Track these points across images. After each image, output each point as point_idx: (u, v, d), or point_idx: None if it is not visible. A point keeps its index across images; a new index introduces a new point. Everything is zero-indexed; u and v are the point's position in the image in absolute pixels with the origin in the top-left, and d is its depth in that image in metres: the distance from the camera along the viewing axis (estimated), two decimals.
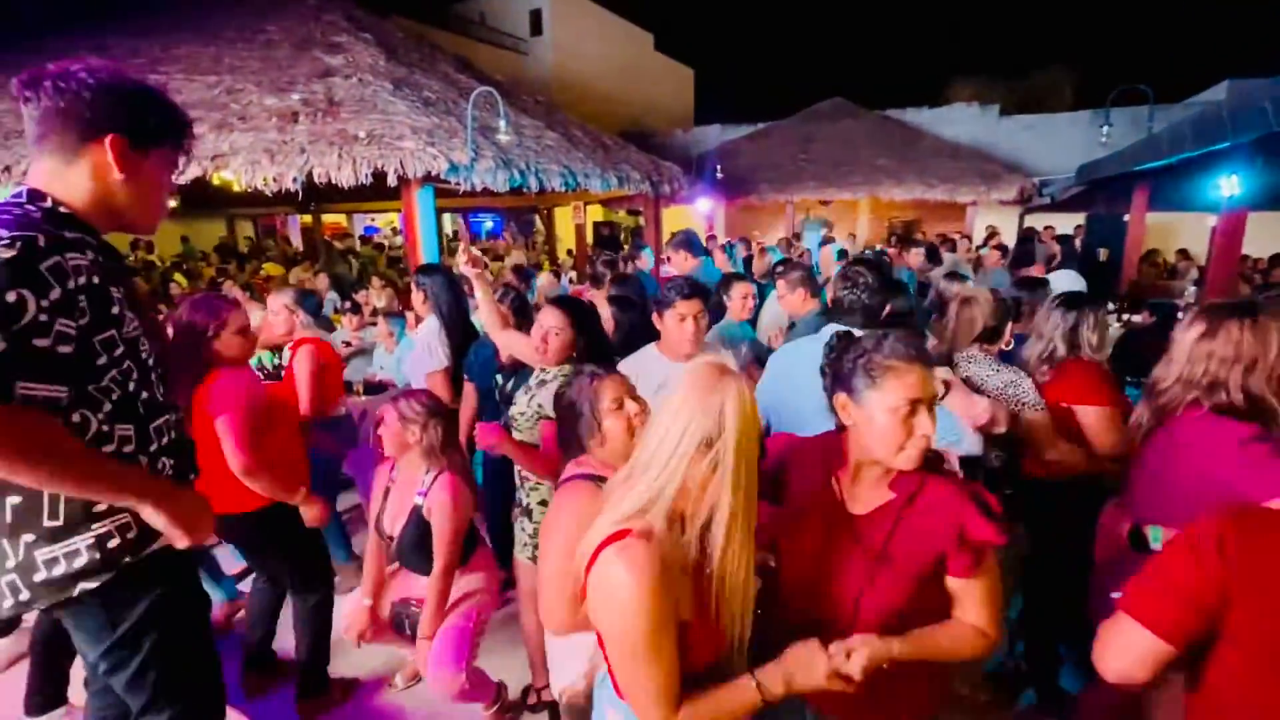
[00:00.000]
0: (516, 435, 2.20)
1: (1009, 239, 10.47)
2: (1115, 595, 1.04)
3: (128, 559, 1.23)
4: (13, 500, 1.15)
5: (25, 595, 1.19)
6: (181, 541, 1.25)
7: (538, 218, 15.30)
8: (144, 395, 1.24)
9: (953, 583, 1.19)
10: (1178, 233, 10.60)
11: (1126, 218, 7.65)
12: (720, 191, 11.23)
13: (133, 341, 1.21)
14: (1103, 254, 8.78)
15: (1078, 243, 9.54)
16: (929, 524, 1.17)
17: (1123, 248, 7.66)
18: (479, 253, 2.46)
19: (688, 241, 4.76)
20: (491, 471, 2.97)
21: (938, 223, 12.21)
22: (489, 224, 17.72)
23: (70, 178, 1.18)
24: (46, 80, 1.15)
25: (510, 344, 2.41)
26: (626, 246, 11.48)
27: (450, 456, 2.14)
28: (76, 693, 2.16)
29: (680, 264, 4.67)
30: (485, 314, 2.44)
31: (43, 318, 1.06)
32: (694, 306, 2.18)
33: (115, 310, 1.17)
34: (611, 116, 13.40)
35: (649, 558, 0.96)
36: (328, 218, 13.97)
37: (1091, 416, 2.02)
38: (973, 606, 1.19)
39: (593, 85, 17.61)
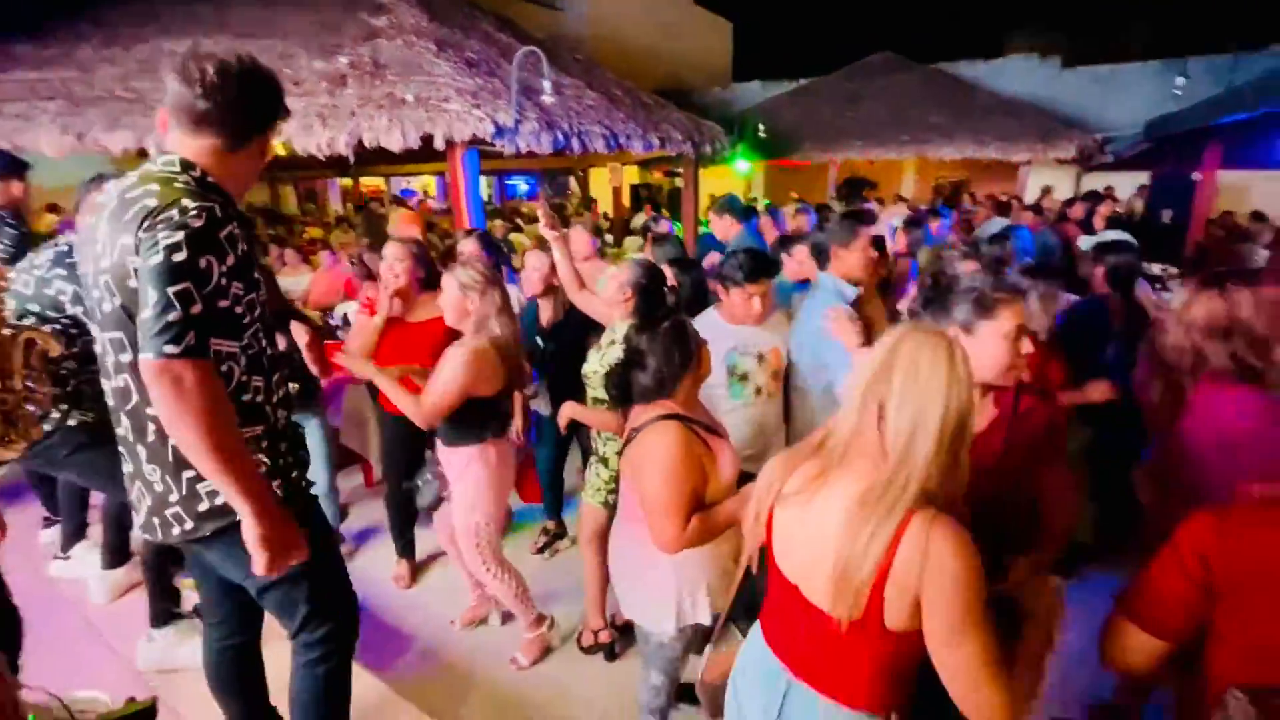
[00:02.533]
0: (591, 391, 2.33)
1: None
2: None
3: (277, 481, 1.38)
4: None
5: (189, 525, 1.33)
6: (260, 562, 1.27)
7: (573, 179, 15.21)
8: (269, 350, 1.38)
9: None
10: (1250, 193, 9.95)
11: (1195, 176, 7.22)
12: (759, 153, 10.96)
13: (263, 302, 1.35)
14: (1166, 216, 8.35)
15: (1139, 204, 9.07)
16: (1032, 425, 1.47)
17: (1189, 208, 7.26)
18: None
19: (730, 206, 4.71)
20: (544, 430, 3.09)
21: (987, 183, 11.72)
22: (524, 186, 17.71)
23: (228, 160, 1.33)
24: (234, 76, 1.28)
25: (586, 304, 2.50)
26: (664, 209, 11.37)
27: (491, 332, 2.08)
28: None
29: (724, 229, 4.62)
30: (563, 275, 2.53)
31: (223, 281, 1.21)
32: (763, 287, 2.23)
33: (255, 274, 1.31)
34: (648, 74, 13.05)
35: (961, 528, 1.00)
36: (365, 180, 14.17)
37: None
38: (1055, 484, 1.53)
39: (629, 41, 17.13)
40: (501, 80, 5.29)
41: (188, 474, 1.30)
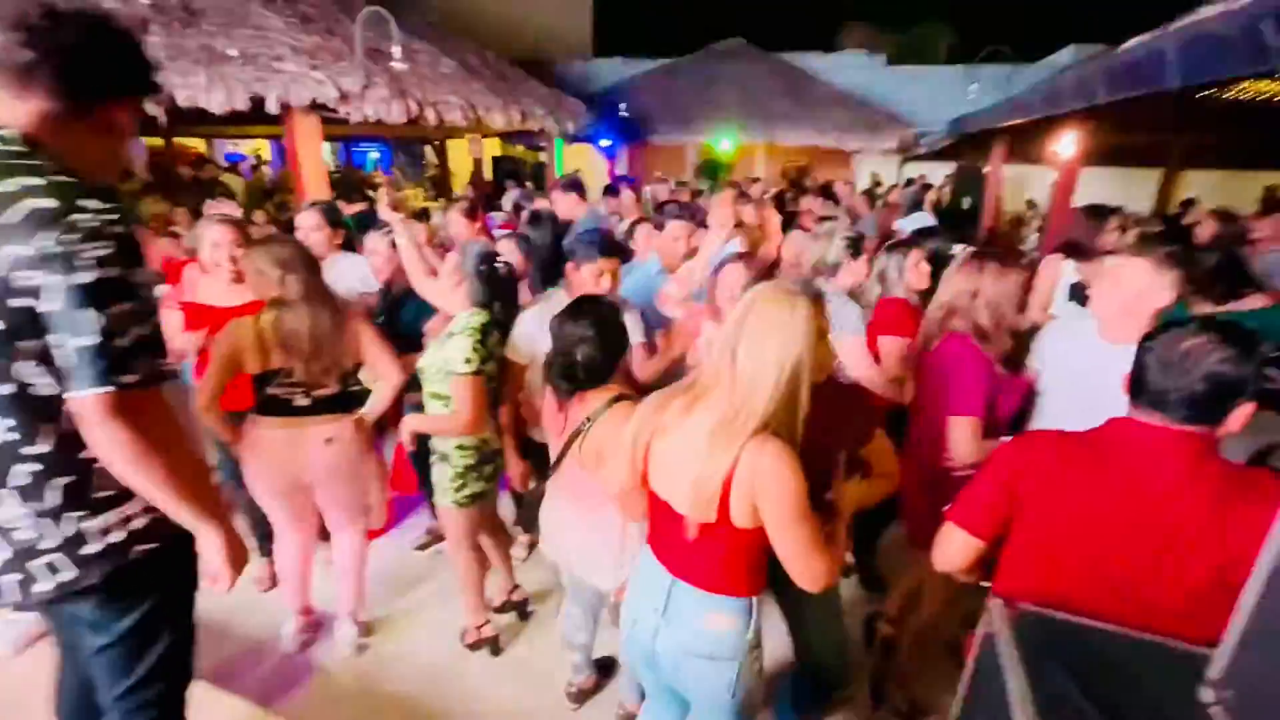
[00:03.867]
0: (426, 386, 2.19)
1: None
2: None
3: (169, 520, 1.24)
4: (64, 481, 1.13)
5: (70, 574, 1.14)
6: (223, 577, 1.26)
7: (430, 150, 14.30)
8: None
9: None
10: (1030, 184, 11.84)
11: (986, 169, 8.48)
12: (621, 131, 11.08)
13: None
14: (966, 203, 9.75)
15: (946, 191, 10.49)
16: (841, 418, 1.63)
17: (982, 196, 8.52)
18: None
19: (575, 184, 4.62)
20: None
21: (827, 169, 12.82)
22: (375, 155, 16.34)
23: (69, 133, 1.08)
24: (66, 18, 1.04)
25: (432, 293, 2.38)
26: (529, 184, 11.12)
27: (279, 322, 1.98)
28: None
29: (569, 208, 4.49)
30: (409, 261, 2.37)
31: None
32: (613, 264, 2.29)
33: None
34: (504, 42, 12.51)
35: (787, 448, 1.22)
36: (181, 142, 12.25)
37: (888, 344, 2.34)
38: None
39: (484, 5, 16.32)
40: (343, 40, 4.88)
41: (72, 514, 1.13)
